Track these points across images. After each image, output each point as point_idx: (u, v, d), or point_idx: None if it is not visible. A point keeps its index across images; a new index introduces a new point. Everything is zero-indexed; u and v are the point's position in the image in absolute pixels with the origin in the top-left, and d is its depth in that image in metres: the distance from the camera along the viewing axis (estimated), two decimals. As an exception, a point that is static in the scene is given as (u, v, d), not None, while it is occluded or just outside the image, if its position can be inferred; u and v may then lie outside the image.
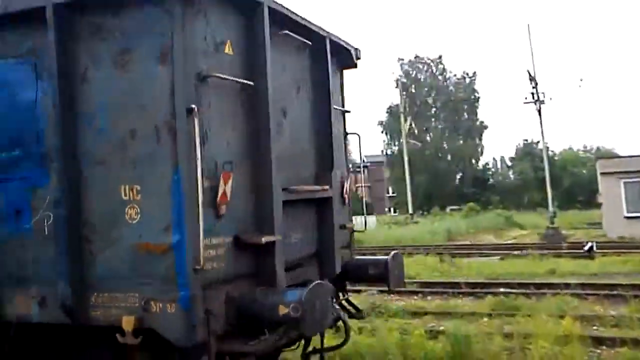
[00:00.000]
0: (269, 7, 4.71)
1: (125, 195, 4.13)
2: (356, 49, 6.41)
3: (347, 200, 6.23)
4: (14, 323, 4.61)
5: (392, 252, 6.07)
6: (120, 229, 4.15)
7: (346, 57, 6.32)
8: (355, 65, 6.45)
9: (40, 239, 4.37)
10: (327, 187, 5.56)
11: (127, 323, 4.02)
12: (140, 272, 4.09)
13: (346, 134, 6.49)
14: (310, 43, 5.47)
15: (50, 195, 4.31)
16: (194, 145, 3.89)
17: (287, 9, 5.01)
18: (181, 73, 3.96)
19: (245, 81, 4.48)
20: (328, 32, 5.76)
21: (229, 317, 4.27)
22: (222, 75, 4.24)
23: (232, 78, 4.35)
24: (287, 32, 5.05)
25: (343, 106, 6.43)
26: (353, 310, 6.30)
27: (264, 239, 4.43)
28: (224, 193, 4.20)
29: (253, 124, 4.60)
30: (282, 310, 4.19)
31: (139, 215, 4.10)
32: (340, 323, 5.88)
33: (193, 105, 3.91)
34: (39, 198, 4.38)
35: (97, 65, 4.22)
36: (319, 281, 4.59)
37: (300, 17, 5.28)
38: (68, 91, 4.24)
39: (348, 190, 6.24)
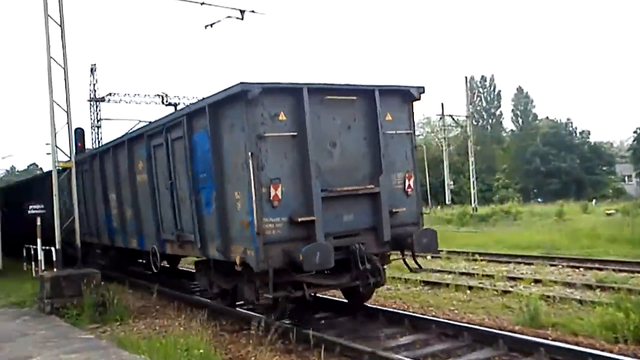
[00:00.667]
0: (310, 88, 8.26)
1: (236, 196, 8.37)
2: (417, 87, 9.22)
3: (410, 193, 9.18)
4: (211, 259, 9.45)
5: (424, 227, 8.83)
6: (236, 213, 8.43)
7: (409, 95, 9.23)
8: (419, 99, 9.27)
9: (214, 217, 8.94)
10: (371, 186, 8.74)
11: (238, 260, 8.28)
12: (242, 235, 8.31)
13: (414, 147, 9.35)
14: (354, 99, 8.71)
15: (214, 195, 8.82)
16: (253, 172, 7.85)
17: (326, 84, 8.48)
18: (248, 135, 7.96)
19: (291, 133, 8.18)
20: (377, 85, 8.85)
21: (284, 261, 8.10)
22: (273, 134, 8.05)
23: (281, 134, 8.12)
24: (329, 97, 8.47)
25: (411, 129, 9.32)
26: (416, 266, 9.28)
27: (300, 219, 8.09)
28: (276, 195, 8.04)
29: (301, 155, 8.25)
30: (300, 257, 7.83)
31: (241, 206, 8.29)
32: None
33: (250, 153, 7.85)
34: (212, 197, 8.95)
35: (225, 131, 8.55)
36: (318, 242, 7.99)
37: (341, 84, 8.62)
38: (217, 145, 8.70)
39: (411, 185, 9.17)
